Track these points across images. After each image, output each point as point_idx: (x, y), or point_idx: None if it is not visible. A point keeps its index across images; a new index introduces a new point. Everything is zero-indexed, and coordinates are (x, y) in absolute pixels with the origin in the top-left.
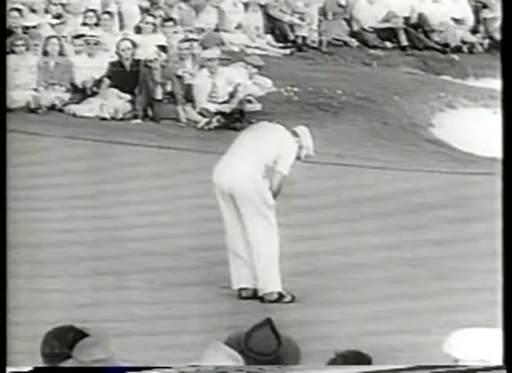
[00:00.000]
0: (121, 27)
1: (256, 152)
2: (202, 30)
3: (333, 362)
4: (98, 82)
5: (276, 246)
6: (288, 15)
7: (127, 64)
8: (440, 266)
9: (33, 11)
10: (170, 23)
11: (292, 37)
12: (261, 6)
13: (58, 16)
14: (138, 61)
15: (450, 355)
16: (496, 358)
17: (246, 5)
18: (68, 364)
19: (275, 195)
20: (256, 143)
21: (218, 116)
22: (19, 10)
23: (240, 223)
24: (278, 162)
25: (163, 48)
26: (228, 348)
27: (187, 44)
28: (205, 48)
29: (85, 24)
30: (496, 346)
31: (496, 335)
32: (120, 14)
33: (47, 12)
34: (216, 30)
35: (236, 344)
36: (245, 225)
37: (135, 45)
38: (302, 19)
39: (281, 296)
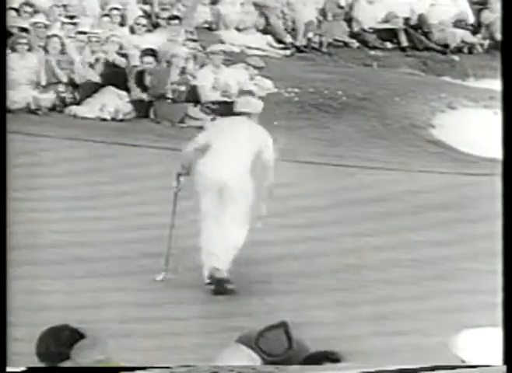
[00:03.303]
0: (123, 26)
1: (240, 146)
2: (202, 30)
3: (304, 362)
4: (98, 83)
5: (241, 241)
6: (288, 15)
7: (128, 64)
8: (441, 267)
9: (35, 11)
10: (173, 22)
11: (292, 38)
12: (261, 7)
13: (69, 17)
14: (141, 61)
15: (456, 356)
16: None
17: (246, 6)
18: (67, 365)
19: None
20: (236, 137)
21: (219, 117)
22: (17, 10)
23: (218, 216)
24: (263, 158)
25: (162, 49)
26: (246, 349)
27: (187, 44)
28: (204, 48)
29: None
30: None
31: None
32: (122, 13)
33: (47, 11)
34: (216, 30)
35: (247, 343)
36: (223, 217)
37: (136, 45)
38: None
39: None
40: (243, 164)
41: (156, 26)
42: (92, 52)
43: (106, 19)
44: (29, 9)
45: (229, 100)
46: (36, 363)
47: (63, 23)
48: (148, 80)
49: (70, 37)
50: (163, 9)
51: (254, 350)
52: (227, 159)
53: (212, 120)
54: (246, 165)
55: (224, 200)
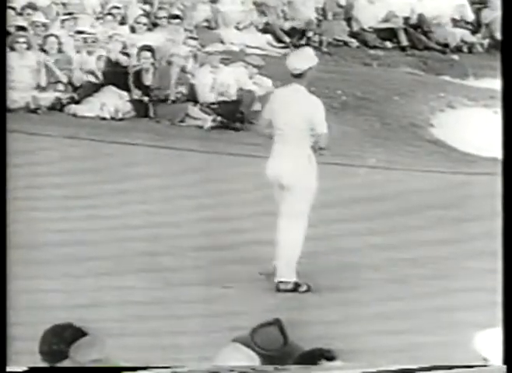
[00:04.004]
0: (123, 24)
1: (292, 131)
2: (202, 29)
3: (300, 360)
4: (98, 82)
5: (302, 237)
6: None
7: (128, 63)
8: (441, 265)
9: (35, 9)
10: (174, 21)
11: (291, 37)
12: (261, 5)
13: (68, 14)
14: (138, 57)
15: (479, 354)
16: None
17: (246, 4)
18: (66, 364)
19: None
20: (285, 117)
21: (218, 117)
22: (16, 9)
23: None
24: (315, 123)
25: (162, 48)
26: (245, 348)
27: (187, 42)
28: (203, 46)
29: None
30: None
31: None
32: (122, 12)
33: (45, 10)
34: (216, 29)
35: (243, 341)
36: (281, 213)
37: (137, 44)
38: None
39: (297, 285)
40: (301, 157)
41: (156, 25)
42: (91, 52)
43: (107, 17)
44: (31, 11)
45: (228, 100)
46: (37, 362)
47: (62, 21)
48: (147, 79)
49: (69, 36)
50: (160, 8)
51: (250, 346)
52: (286, 156)
53: (208, 122)
54: (304, 156)
55: (284, 197)
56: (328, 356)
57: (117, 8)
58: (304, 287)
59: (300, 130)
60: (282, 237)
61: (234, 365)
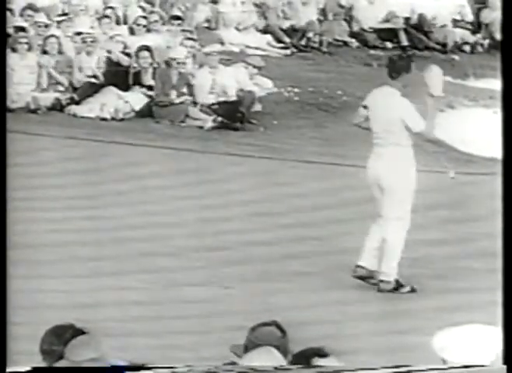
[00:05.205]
0: (119, 24)
1: (387, 133)
2: (202, 30)
3: (294, 360)
4: (98, 82)
5: (403, 237)
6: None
7: (129, 63)
8: (440, 265)
9: (35, 10)
10: (175, 22)
11: (292, 38)
12: (262, 6)
13: (61, 15)
14: (136, 57)
15: (437, 355)
16: (486, 355)
17: (246, 5)
18: (61, 363)
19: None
20: (379, 120)
21: (218, 117)
22: (15, 11)
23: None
24: (408, 124)
25: (161, 49)
26: (276, 352)
27: (186, 43)
28: (203, 47)
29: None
30: (484, 344)
31: (483, 331)
32: (121, 12)
33: (46, 10)
34: (216, 30)
35: (237, 351)
36: (383, 214)
37: (137, 44)
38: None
39: (399, 285)
40: (399, 159)
41: (155, 25)
42: (90, 52)
43: (104, 18)
44: (31, 13)
45: (228, 100)
46: (37, 362)
47: (60, 22)
48: (147, 80)
49: (68, 37)
50: (159, 10)
51: (249, 342)
52: (384, 158)
53: (209, 123)
54: (402, 157)
55: (384, 199)
56: (321, 353)
57: (112, 8)
58: (407, 288)
59: (395, 132)
60: (384, 237)
61: (234, 365)
